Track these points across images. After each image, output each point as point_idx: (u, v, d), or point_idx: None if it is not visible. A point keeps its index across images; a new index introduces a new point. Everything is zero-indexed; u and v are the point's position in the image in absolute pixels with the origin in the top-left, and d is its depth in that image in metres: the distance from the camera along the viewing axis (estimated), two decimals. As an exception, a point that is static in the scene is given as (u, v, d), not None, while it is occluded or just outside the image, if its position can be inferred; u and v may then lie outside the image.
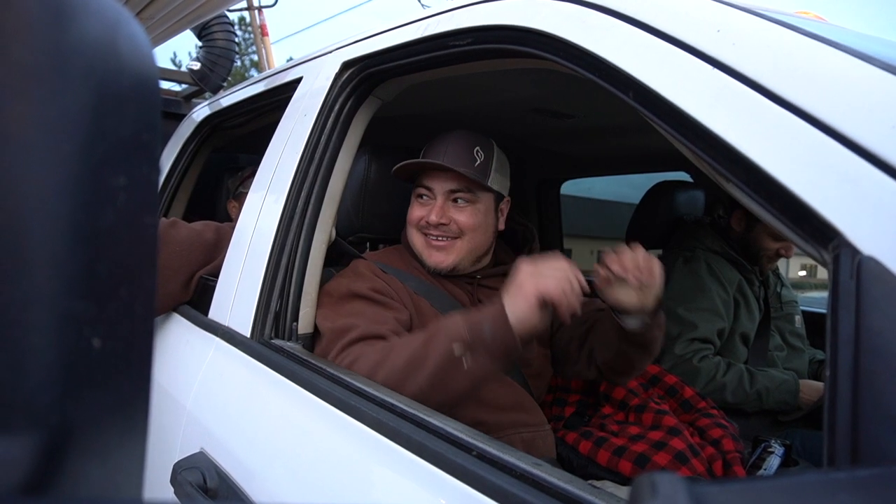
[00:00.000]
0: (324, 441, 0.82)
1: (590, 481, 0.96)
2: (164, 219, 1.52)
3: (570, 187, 2.74)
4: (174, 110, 2.74)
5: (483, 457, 0.62)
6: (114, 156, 0.24)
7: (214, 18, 2.93)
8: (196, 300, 1.41)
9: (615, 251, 1.02)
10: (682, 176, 2.15)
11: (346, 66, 1.17)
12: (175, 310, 1.42)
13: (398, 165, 1.22)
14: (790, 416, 1.63)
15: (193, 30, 2.98)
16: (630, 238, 2.02)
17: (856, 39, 0.58)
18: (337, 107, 1.15)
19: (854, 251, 0.43)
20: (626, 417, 1.29)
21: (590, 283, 1.01)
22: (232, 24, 3.17)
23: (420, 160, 1.21)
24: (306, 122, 1.18)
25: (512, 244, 1.41)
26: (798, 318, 1.86)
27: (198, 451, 0.98)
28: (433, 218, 1.19)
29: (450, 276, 1.24)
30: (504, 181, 1.27)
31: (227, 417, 1.01)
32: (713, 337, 1.63)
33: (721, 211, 1.90)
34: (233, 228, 1.29)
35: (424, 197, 1.23)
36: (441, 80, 1.12)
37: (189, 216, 1.86)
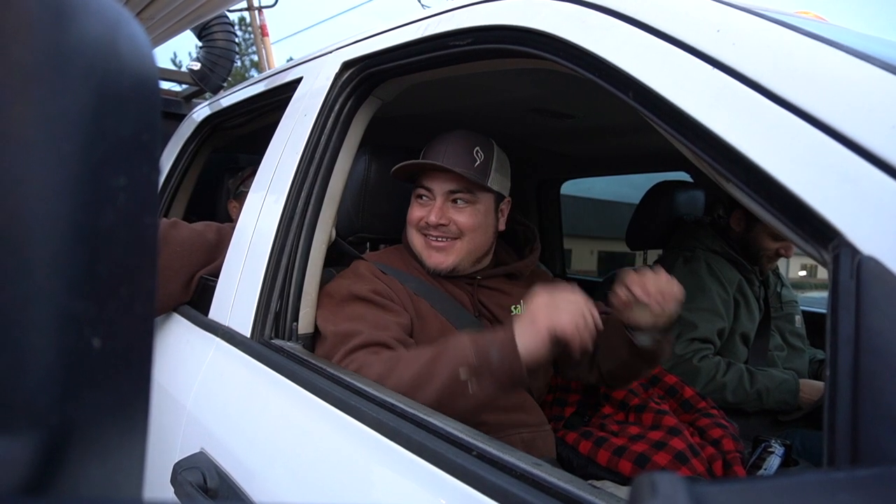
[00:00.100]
0: (324, 441, 0.82)
1: (590, 481, 0.97)
2: (165, 219, 1.52)
3: (570, 187, 2.75)
4: (174, 110, 2.74)
5: (483, 457, 0.62)
6: (114, 156, 0.24)
7: (214, 19, 2.93)
8: (196, 300, 1.41)
9: (637, 272, 1.01)
10: (682, 176, 2.15)
11: (346, 66, 1.17)
12: (175, 310, 1.42)
13: (397, 166, 1.22)
14: (790, 416, 1.63)
15: (193, 30, 2.98)
16: (630, 238, 2.02)
17: (856, 39, 0.58)
18: (337, 107, 1.15)
19: (854, 251, 0.43)
20: (626, 417, 1.29)
21: (604, 295, 0.98)
22: (232, 25, 3.17)
23: (419, 161, 1.21)
24: (306, 122, 1.18)
25: (513, 244, 1.41)
26: (798, 318, 1.86)
27: (198, 451, 0.98)
28: (432, 219, 1.19)
29: (450, 276, 1.23)
30: (504, 181, 1.27)
31: (228, 417, 1.01)
32: (713, 337, 1.63)
33: (721, 211, 1.90)
34: (233, 229, 1.29)
35: (424, 197, 1.23)
36: (441, 80, 1.12)
37: (189, 216, 1.86)
